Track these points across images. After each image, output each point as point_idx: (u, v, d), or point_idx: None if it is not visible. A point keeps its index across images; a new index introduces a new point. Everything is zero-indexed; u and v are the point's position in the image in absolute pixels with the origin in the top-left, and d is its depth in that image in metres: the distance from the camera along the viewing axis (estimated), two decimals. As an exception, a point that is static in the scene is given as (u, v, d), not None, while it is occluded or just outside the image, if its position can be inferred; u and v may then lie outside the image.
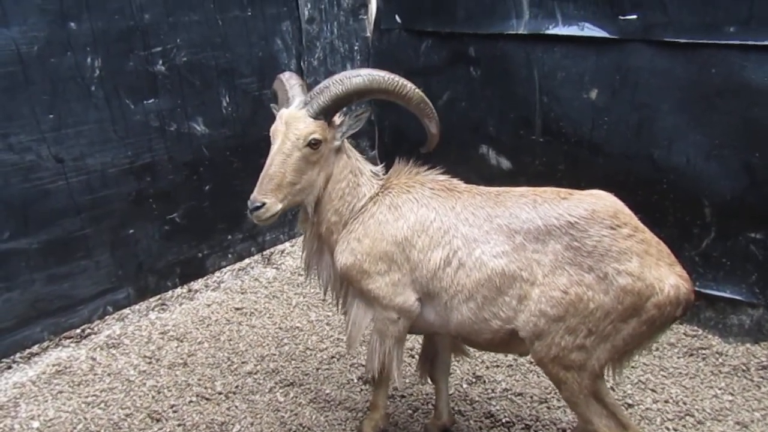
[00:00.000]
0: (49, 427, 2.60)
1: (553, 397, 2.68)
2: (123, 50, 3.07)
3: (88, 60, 2.95)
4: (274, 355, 3.04)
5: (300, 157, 2.09)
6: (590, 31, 3.12)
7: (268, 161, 2.09)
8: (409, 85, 2.14)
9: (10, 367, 2.96)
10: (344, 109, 2.17)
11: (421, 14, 3.81)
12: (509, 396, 2.72)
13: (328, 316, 3.36)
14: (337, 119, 2.19)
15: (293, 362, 2.99)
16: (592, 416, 1.98)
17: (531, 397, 2.70)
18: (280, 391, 2.79)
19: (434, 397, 2.58)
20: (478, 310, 2.04)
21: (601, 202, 1.98)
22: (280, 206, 2.09)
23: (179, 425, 2.59)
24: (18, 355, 2.99)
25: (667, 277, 1.87)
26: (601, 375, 1.98)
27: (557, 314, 1.90)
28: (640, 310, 1.85)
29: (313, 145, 2.09)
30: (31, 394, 2.80)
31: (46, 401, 2.76)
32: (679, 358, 2.92)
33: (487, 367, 2.90)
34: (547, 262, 1.94)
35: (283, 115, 2.14)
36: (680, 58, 2.88)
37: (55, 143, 2.92)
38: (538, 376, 2.81)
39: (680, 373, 2.81)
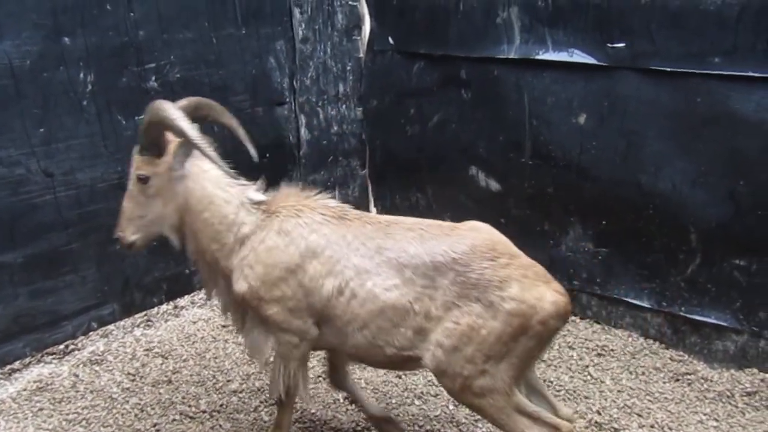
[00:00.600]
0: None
1: (539, 421, 2.68)
2: (116, 66, 3.08)
3: (81, 75, 2.96)
4: (260, 373, 3.01)
5: (137, 192, 2.22)
6: (579, 57, 3.17)
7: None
8: (177, 122, 2.04)
9: (-10, 383, 2.91)
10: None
11: (414, 36, 3.86)
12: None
13: (316, 335, 3.34)
14: (173, 149, 2.18)
15: (279, 381, 2.96)
16: (524, 430, 2.06)
17: (517, 421, 2.69)
18: (265, 410, 2.77)
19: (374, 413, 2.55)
20: (372, 338, 2.11)
21: (480, 235, 2.14)
22: (134, 237, 2.27)
23: (162, 444, 2.56)
24: (-1, 370, 2.95)
25: (545, 294, 2.03)
26: (512, 392, 2.05)
27: (453, 345, 2.01)
28: (528, 329, 2.01)
29: (142, 180, 2.20)
30: (11, 411, 2.75)
31: (26, 418, 2.71)
32: (665, 382, 2.93)
33: (474, 389, 2.89)
34: (437, 296, 2.04)
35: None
36: (667, 86, 2.93)
37: (45, 157, 2.91)
38: (525, 399, 2.81)
39: (666, 398, 2.82)
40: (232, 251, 2.21)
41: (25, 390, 2.89)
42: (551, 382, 2.92)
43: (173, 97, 3.31)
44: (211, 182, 2.21)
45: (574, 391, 2.86)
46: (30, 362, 3.04)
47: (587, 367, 3.04)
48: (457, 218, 3.94)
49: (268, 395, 2.79)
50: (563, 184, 3.38)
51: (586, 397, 2.82)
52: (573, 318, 3.47)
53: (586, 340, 3.26)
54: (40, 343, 3.08)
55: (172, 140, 2.19)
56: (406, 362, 2.16)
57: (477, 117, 3.68)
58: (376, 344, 2.11)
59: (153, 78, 3.23)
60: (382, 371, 3.01)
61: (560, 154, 3.35)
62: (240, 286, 2.18)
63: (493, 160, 3.66)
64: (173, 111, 2.07)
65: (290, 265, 2.13)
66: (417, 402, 2.81)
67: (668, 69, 2.90)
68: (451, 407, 2.78)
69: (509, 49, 3.41)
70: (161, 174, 2.19)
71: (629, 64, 3.02)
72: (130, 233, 2.26)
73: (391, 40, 3.99)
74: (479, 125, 3.68)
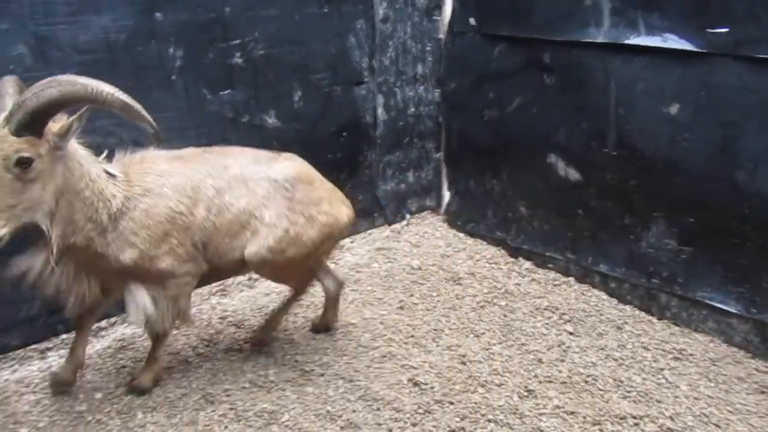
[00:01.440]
0: (109, 399, 2.73)
1: (607, 420, 2.59)
2: (203, 42, 3.18)
3: (171, 50, 3.07)
4: (327, 349, 3.07)
5: (12, 178, 1.99)
6: (674, 43, 2.99)
7: None
8: (106, 91, 2.03)
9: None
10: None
11: (496, 18, 3.75)
12: (561, 414, 2.64)
13: (383, 314, 3.37)
14: (55, 126, 2.06)
15: (345, 358, 3.01)
16: (306, 286, 3.01)
17: (584, 417, 2.61)
18: (332, 384, 2.82)
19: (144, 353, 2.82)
20: (230, 242, 2.56)
21: (298, 165, 2.76)
22: (3, 231, 1.99)
23: (231, 409, 2.65)
24: (87, 327, 3.15)
25: (343, 211, 2.81)
26: (308, 266, 2.87)
27: (280, 248, 2.60)
28: (331, 235, 2.77)
29: (24, 163, 1.98)
30: (96, 366, 2.94)
31: (110, 374, 2.89)
32: (748, 394, 2.76)
33: (540, 382, 2.84)
34: (271, 206, 2.58)
35: None
36: (773, 76, 2.72)
37: (135, 129, 3.04)
38: (593, 396, 2.73)
39: (748, 410, 2.65)
40: (106, 228, 2.28)
41: (109, 348, 3.07)
42: (621, 381, 2.81)
43: (257, 75, 3.41)
44: (84, 159, 2.23)
45: (646, 394, 2.74)
46: (115, 322, 3.23)
47: (662, 370, 2.91)
48: (534, 207, 3.86)
49: (146, 334, 2.84)
50: (649, 176, 3.22)
51: (658, 401, 2.70)
52: (649, 318, 3.33)
53: (662, 341, 3.12)
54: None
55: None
56: (240, 265, 2.66)
57: (559, 103, 3.55)
58: (230, 248, 2.56)
59: (237, 54, 3.30)
60: (447, 356, 3.00)
61: (647, 145, 3.19)
62: (129, 254, 2.33)
63: (574, 149, 3.53)
64: (102, 84, 2.04)
65: (167, 215, 2.38)
66: (480, 390, 2.78)
67: (776, 58, 2.69)
68: (515, 398, 2.73)
69: (597, 33, 3.26)
70: (44, 155, 2.04)
71: (731, 51, 2.81)
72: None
73: (472, 21, 3.90)
74: (561, 112, 3.55)
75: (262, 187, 2.58)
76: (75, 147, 2.21)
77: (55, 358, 2.99)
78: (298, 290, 3.00)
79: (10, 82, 2.17)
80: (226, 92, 3.32)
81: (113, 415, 2.63)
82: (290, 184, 2.62)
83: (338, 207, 2.77)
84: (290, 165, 2.71)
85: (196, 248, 2.51)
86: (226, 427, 2.56)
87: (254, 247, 2.56)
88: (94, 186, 2.22)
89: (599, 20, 3.24)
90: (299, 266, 2.76)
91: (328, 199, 2.74)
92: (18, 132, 1.97)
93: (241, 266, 2.70)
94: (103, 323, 3.19)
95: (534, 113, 3.69)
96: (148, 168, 2.43)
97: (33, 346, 3.00)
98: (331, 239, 2.79)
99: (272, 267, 2.66)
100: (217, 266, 2.64)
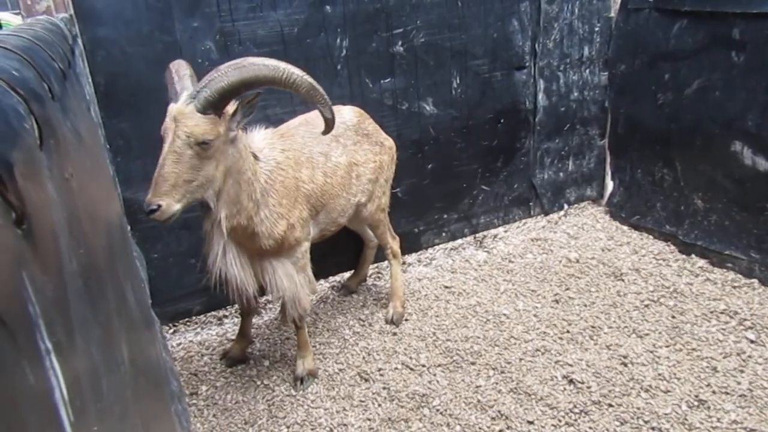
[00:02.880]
0: (276, 367, 2.95)
1: (797, 444, 2.29)
2: (368, 31, 3.27)
3: (338, 41, 3.20)
4: (478, 338, 3.05)
5: (192, 155, 2.04)
6: None
7: (160, 161, 2.03)
8: (297, 74, 2.10)
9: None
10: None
11: (677, -8, 3.42)
12: (738, 430, 2.38)
13: (536, 307, 3.27)
14: (230, 107, 2.14)
15: (496, 348, 2.98)
16: (388, 236, 3.26)
17: (767, 438, 2.34)
18: (483, 374, 2.80)
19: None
20: (346, 197, 2.83)
21: (349, 106, 3.02)
22: (177, 207, 2.04)
23: (384, 388, 2.75)
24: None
25: (390, 139, 3.15)
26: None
27: (374, 177, 3.00)
28: (393, 157, 3.15)
29: (205, 143, 2.04)
30: (264, 336, 3.20)
31: (276, 344, 3.13)
32: None
33: (714, 392, 2.58)
34: (357, 148, 2.90)
35: (171, 111, 2.05)
36: None
37: (303, 116, 3.23)
38: (779, 416, 2.43)
39: None
40: (259, 206, 2.36)
41: (276, 319, 3.32)
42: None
43: (416, 63, 3.45)
44: (244, 138, 2.33)
45: None
46: (281, 296, 3.47)
47: None
48: (713, 200, 3.49)
49: (284, 323, 3.07)
50: None
51: None
52: None
53: None
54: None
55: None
56: (355, 213, 2.97)
57: (749, 84, 3.16)
58: (348, 200, 2.84)
59: (399, 43, 3.36)
60: (605, 355, 2.84)
61: None
62: (281, 226, 2.46)
63: (765, 135, 3.13)
64: (291, 66, 2.12)
65: (294, 184, 2.52)
66: (643, 395, 2.60)
67: None
68: (684, 407, 2.51)
69: (803, 3, 2.84)
70: (222, 135, 2.12)
71: None
72: (174, 201, 2.03)
73: (649, -3, 3.59)
74: (751, 94, 3.16)
75: (346, 137, 2.85)
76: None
77: (230, 325, 3.30)
78: (383, 240, 3.27)
79: (185, 64, 2.26)
80: (387, 80, 3.39)
81: (278, 382, 2.85)
82: (360, 123, 2.94)
83: (387, 136, 3.14)
84: (348, 108, 2.99)
85: (312, 214, 2.68)
86: (379, 405, 2.66)
87: (359, 186, 2.90)
88: (252, 166, 2.33)
89: (804, -12, 2.82)
90: (387, 200, 3.15)
91: (381, 131, 3.10)
92: (204, 110, 2.04)
93: (354, 215, 2.99)
94: (269, 296, 3.45)
95: (717, 96, 3.32)
96: (271, 144, 2.53)
97: (212, 313, 3.34)
98: (393, 162, 3.15)
99: (374, 203, 3.03)
100: (323, 230, 2.83)
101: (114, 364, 0.95)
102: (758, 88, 3.12)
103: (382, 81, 3.38)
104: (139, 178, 2.86)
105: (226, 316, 3.35)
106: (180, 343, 3.18)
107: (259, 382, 2.85)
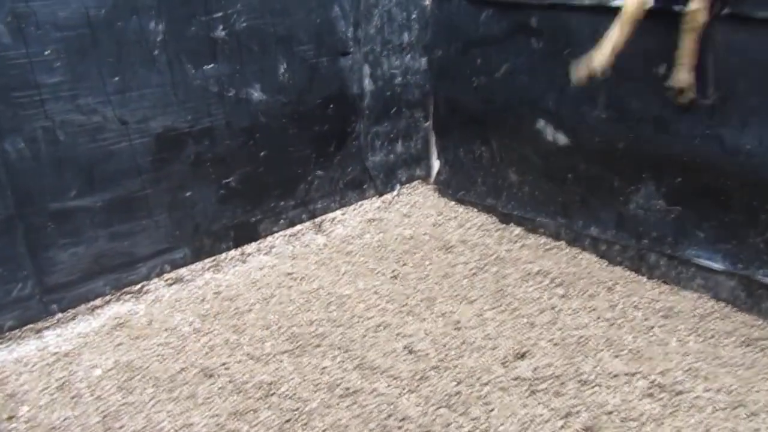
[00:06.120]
0: (109, 375, 2.75)
1: (600, 378, 2.65)
2: (185, 15, 3.12)
3: (152, 24, 3.01)
4: (322, 320, 3.10)
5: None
6: (659, 3, 2.97)
7: None
8: None
9: (74, 318, 3.12)
10: None
11: (483, -17, 3.71)
12: (554, 371, 2.70)
13: (376, 285, 3.40)
14: None
15: (340, 328, 3.05)
16: None
17: (578, 376, 2.67)
18: (328, 355, 2.86)
19: None
20: None
21: None
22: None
23: (230, 382, 2.69)
24: (83, 306, 3.15)
25: None
26: None
27: None
28: None
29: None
30: (93, 345, 2.96)
31: (107, 351, 2.91)
32: (735, 347, 2.83)
33: (534, 344, 2.89)
34: None
35: None
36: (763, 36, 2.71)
37: (120, 106, 3.01)
38: (585, 356, 2.78)
39: (735, 363, 2.72)
40: None
41: (105, 326, 3.09)
42: (613, 341, 2.87)
43: (240, 48, 3.37)
44: None
45: (637, 352, 2.80)
46: (110, 300, 3.24)
47: (652, 328, 2.97)
48: (524, 173, 3.87)
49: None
50: (636, 139, 3.23)
51: (649, 358, 2.76)
52: (641, 278, 3.38)
53: (652, 300, 3.17)
54: (119, 283, 3.26)
55: None
56: None
57: (548, 68, 3.53)
58: None
59: (220, 27, 3.25)
60: (440, 322, 3.03)
61: (637, 106, 3.20)
62: None
63: (563, 114, 3.53)
64: None
65: None
66: (475, 355, 2.84)
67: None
68: (510, 360, 2.78)
69: (584, -5, 3.24)
70: None
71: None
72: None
73: (458, -13, 3.85)
74: (549, 76, 3.54)
75: None
76: None
77: (51, 337, 3.00)
78: None
79: None
80: (210, 66, 3.27)
81: (112, 390, 2.66)
82: None
83: None
84: None
85: None
86: (225, 400, 2.60)
87: None
88: None
89: (585, -18, 3.21)
90: None
91: None
92: None
93: None
94: (98, 301, 3.20)
95: (522, 78, 3.68)
96: None
97: (29, 326, 3.01)
98: None
99: None
100: None
101: None
102: (555, 71, 3.50)
103: (205, 67, 3.25)
104: None
105: (46, 328, 3.05)
106: (-10, 365, 2.83)
107: (89, 394, 2.64)
